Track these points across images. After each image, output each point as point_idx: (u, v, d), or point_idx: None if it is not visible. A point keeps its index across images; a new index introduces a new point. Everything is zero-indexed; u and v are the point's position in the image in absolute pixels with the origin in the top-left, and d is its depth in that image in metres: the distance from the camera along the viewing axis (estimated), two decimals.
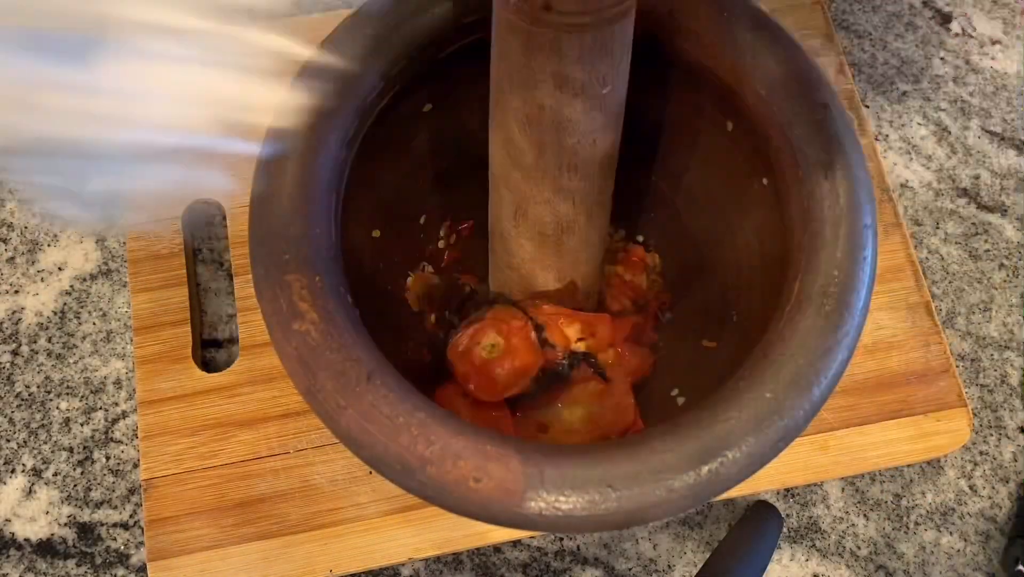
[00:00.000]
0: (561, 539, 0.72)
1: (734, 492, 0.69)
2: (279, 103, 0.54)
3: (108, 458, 0.71)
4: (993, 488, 0.75)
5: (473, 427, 0.47)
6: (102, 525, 0.69)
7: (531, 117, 0.53)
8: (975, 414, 0.77)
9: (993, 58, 0.89)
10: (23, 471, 0.70)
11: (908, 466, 0.75)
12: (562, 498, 0.45)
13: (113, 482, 0.70)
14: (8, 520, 0.69)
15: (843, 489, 0.74)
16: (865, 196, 0.52)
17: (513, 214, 0.60)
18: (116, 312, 0.75)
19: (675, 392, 0.65)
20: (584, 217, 0.60)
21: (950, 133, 0.86)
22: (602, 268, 0.69)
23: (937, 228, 0.82)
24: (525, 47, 0.49)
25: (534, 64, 0.50)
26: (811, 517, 0.73)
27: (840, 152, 0.53)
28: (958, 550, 0.73)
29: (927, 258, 0.81)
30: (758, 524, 0.69)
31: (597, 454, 0.46)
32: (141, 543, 0.69)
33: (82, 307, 0.75)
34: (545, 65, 0.49)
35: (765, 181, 0.59)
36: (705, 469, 0.46)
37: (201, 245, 0.78)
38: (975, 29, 0.91)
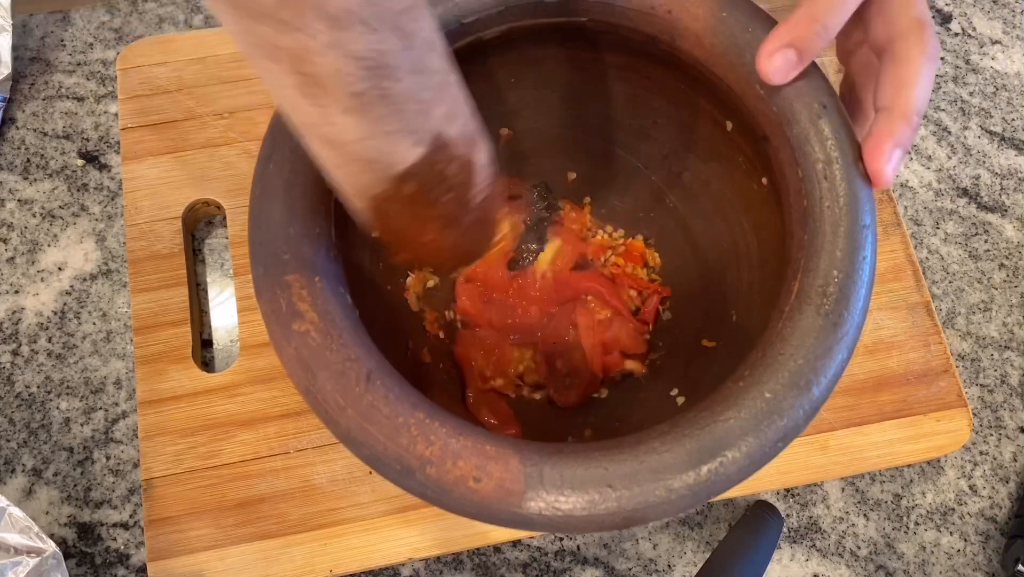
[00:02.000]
0: (561, 539, 0.72)
1: (734, 492, 0.69)
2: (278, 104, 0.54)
3: (108, 458, 0.71)
4: (993, 488, 0.75)
5: (472, 427, 0.47)
6: (102, 525, 0.69)
7: None
8: (975, 414, 0.77)
9: (993, 58, 0.89)
10: (23, 471, 0.70)
11: (908, 466, 0.75)
12: (561, 498, 0.45)
13: (113, 482, 0.70)
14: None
15: (843, 489, 0.74)
16: (864, 196, 0.52)
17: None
18: (116, 312, 0.75)
19: (675, 392, 0.65)
20: (393, 33, 0.42)
21: (950, 133, 0.86)
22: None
23: (937, 228, 0.82)
24: None
25: None
26: (811, 517, 0.73)
27: (839, 152, 0.53)
28: (958, 550, 0.73)
29: (927, 258, 0.81)
30: (758, 524, 0.69)
31: (596, 454, 0.46)
32: (141, 543, 0.69)
33: (82, 307, 0.75)
34: None
35: (765, 180, 0.59)
36: (704, 469, 0.46)
37: (201, 245, 0.78)
38: (975, 29, 0.91)
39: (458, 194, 0.52)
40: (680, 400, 0.64)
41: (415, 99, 0.45)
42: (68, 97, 0.81)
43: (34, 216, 0.77)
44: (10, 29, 0.80)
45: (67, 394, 0.72)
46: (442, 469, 0.46)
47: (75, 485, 0.70)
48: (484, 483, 0.45)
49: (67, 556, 0.68)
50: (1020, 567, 0.70)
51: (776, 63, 0.52)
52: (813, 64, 0.55)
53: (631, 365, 0.71)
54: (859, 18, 0.55)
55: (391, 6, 0.41)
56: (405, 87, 0.44)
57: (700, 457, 0.46)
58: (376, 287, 0.66)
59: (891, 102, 0.52)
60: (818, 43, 0.52)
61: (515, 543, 0.71)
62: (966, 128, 0.86)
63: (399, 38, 0.42)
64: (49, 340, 0.74)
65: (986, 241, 0.82)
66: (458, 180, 0.51)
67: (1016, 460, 0.76)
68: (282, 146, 0.53)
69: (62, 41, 0.83)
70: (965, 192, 0.84)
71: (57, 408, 0.72)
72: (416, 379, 0.50)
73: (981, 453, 0.76)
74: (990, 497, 0.75)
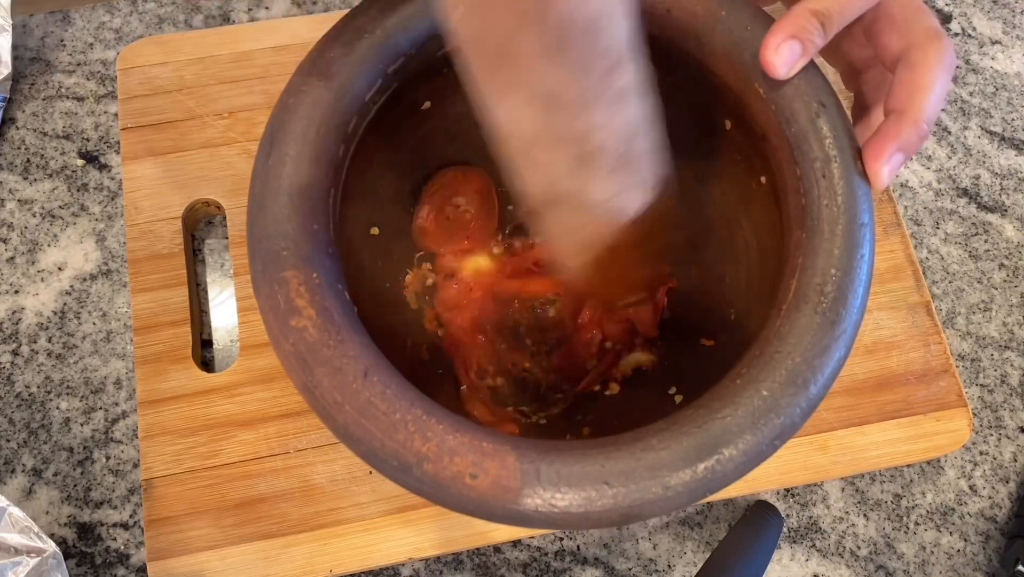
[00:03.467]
0: (561, 539, 0.71)
1: (734, 492, 0.69)
2: (277, 100, 0.54)
3: (108, 458, 0.71)
4: (993, 488, 0.75)
5: (469, 423, 0.47)
6: (102, 525, 0.69)
7: (559, 42, 0.45)
8: (975, 414, 0.77)
9: (993, 58, 0.89)
10: (23, 471, 0.70)
11: (908, 466, 0.75)
12: (558, 495, 0.45)
13: (113, 482, 0.71)
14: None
15: (843, 489, 0.74)
16: (862, 194, 0.52)
17: (571, 165, 0.53)
18: (116, 312, 0.75)
19: (673, 390, 0.65)
20: (643, 102, 0.53)
21: (950, 133, 0.86)
22: None
23: (937, 228, 0.82)
24: None
25: None
26: (811, 517, 0.73)
27: (838, 150, 0.53)
28: (958, 550, 0.73)
29: (927, 258, 0.81)
30: (758, 524, 0.69)
31: (593, 451, 0.46)
32: (141, 543, 0.69)
33: (82, 307, 0.75)
34: None
35: (763, 179, 0.59)
36: (701, 467, 0.46)
37: (201, 245, 0.78)
38: (975, 29, 0.91)
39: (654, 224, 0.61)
40: (678, 399, 0.64)
41: (648, 154, 0.56)
42: (68, 97, 0.81)
43: (34, 216, 0.77)
44: (10, 29, 0.80)
45: (67, 394, 0.72)
46: (439, 465, 0.46)
47: (75, 485, 0.70)
48: (481, 480, 0.45)
49: (67, 556, 0.68)
50: (1020, 567, 0.70)
51: (783, 55, 0.52)
52: (812, 63, 0.55)
53: (641, 357, 0.70)
54: (866, 36, 0.56)
55: (645, 73, 0.51)
56: (648, 146, 0.55)
57: (697, 454, 0.46)
58: (376, 284, 0.66)
59: (903, 106, 0.52)
60: (818, 39, 0.52)
61: (515, 543, 0.71)
62: (966, 128, 0.86)
63: (647, 102, 0.53)
64: (49, 340, 0.74)
65: (986, 241, 0.82)
66: (660, 211, 0.60)
67: (1016, 460, 0.76)
68: (281, 143, 0.53)
69: (62, 41, 0.84)
70: (965, 192, 0.84)
71: (57, 408, 0.72)
72: (415, 377, 0.50)
73: (981, 453, 0.76)
74: (990, 497, 0.75)
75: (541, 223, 0.60)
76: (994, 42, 0.90)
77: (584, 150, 0.52)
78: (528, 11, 0.43)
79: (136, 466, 0.71)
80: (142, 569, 0.69)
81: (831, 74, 0.82)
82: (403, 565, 0.70)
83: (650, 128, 0.55)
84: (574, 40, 0.45)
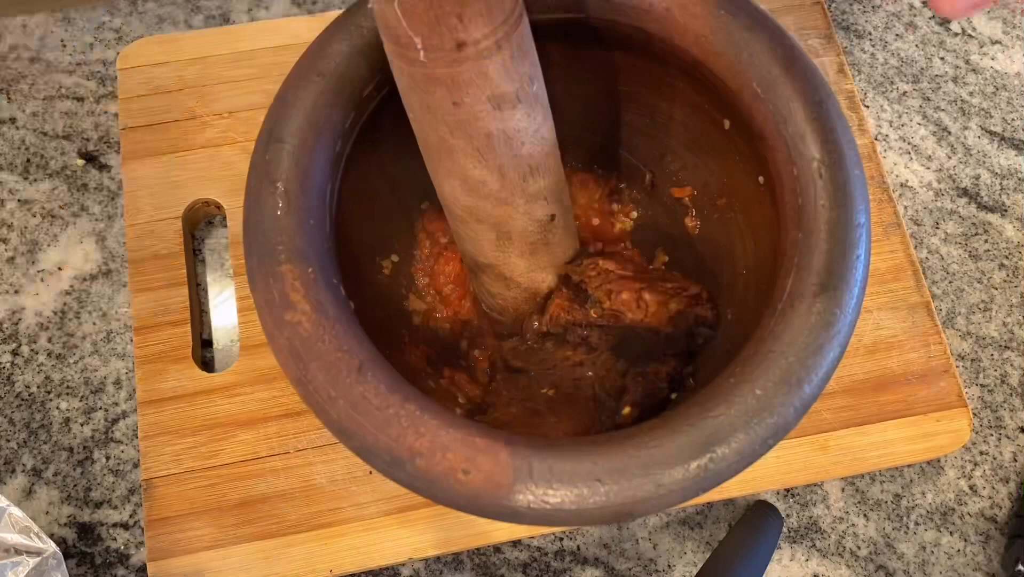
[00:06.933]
0: (561, 539, 0.71)
1: (734, 492, 0.69)
2: (276, 94, 0.55)
3: (108, 458, 0.71)
4: (993, 488, 0.75)
5: (463, 420, 0.47)
6: (102, 525, 0.70)
7: (482, 148, 0.54)
8: (975, 414, 0.77)
9: (993, 58, 0.89)
10: (23, 471, 0.71)
11: (908, 466, 0.75)
12: (550, 492, 0.45)
13: (113, 482, 0.71)
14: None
15: (843, 489, 0.74)
16: (859, 195, 0.52)
17: (495, 242, 0.61)
18: (116, 312, 0.75)
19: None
20: (557, 204, 0.61)
21: (950, 133, 0.86)
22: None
23: (937, 228, 0.82)
24: (451, 89, 0.50)
25: (467, 100, 0.51)
26: (811, 517, 0.73)
27: (835, 150, 0.53)
28: (958, 550, 0.73)
29: (927, 258, 0.81)
30: (758, 524, 0.69)
31: (586, 448, 0.46)
32: (141, 543, 0.69)
33: (82, 307, 0.75)
34: (478, 95, 0.51)
35: (761, 180, 0.59)
36: (694, 465, 0.46)
37: (201, 245, 0.78)
38: (975, 29, 0.90)
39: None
40: (673, 396, 0.64)
41: (562, 244, 0.65)
42: (68, 97, 0.81)
43: (34, 216, 0.77)
44: None
45: (67, 394, 0.73)
46: (431, 461, 0.46)
47: (75, 485, 0.70)
48: (473, 476, 0.46)
49: (67, 556, 0.68)
50: (1020, 567, 0.70)
51: None
52: (810, 63, 0.55)
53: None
54: None
55: (560, 183, 0.61)
56: (559, 237, 0.64)
57: (690, 453, 0.46)
58: (372, 281, 0.66)
59: None
60: None
61: (515, 543, 0.71)
62: (966, 128, 0.86)
63: (560, 205, 0.62)
64: (49, 340, 0.74)
65: (986, 241, 0.82)
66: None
67: (1016, 460, 0.76)
68: (279, 138, 0.53)
69: (62, 41, 0.84)
70: (965, 192, 0.84)
71: (57, 408, 0.72)
72: (409, 373, 0.50)
73: (981, 453, 0.76)
74: (990, 497, 0.75)
75: (473, 280, 0.68)
76: (994, 42, 0.90)
77: (503, 231, 0.60)
78: (459, 122, 0.52)
79: (136, 466, 0.71)
80: (142, 569, 0.69)
81: (831, 74, 0.82)
82: (403, 565, 0.70)
83: (563, 227, 0.64)
84: (496, 149, 0.54)
